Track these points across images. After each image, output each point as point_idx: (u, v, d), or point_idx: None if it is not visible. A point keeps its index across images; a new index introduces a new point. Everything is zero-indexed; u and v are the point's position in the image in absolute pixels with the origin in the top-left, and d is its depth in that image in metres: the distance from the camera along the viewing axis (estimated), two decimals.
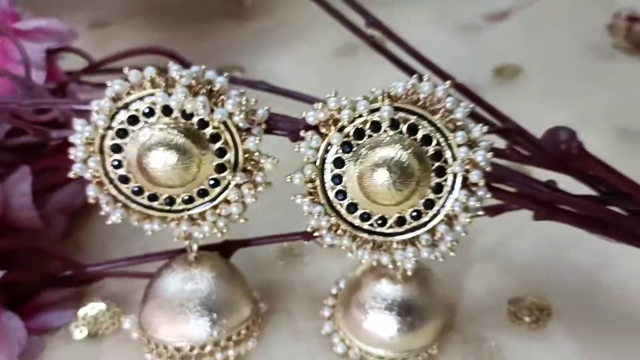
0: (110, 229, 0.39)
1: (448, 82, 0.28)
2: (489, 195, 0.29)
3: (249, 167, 0.29)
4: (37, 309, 0.33)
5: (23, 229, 0.34)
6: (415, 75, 0.28)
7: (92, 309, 0.34)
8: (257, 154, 0.29)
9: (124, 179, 0.29)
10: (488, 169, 0.28)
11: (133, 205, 0.29)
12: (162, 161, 0.27)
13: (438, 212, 0.29)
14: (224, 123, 0.28)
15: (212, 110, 0.27)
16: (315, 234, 0.30)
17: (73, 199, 0.38)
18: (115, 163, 0.28)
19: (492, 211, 0.33)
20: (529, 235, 0.41)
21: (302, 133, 0.28)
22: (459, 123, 0.28)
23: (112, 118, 0.28)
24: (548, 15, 0.62)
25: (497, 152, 0.30)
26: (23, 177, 0.33)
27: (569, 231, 0.40)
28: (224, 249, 0.34)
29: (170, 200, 0.29)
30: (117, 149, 0.28)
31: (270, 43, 0.61)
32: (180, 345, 0.30)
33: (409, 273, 0.31)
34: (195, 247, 0.31)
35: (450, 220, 0.29)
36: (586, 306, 0.36)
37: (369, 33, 0.40)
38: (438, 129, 0.28)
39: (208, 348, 0.30)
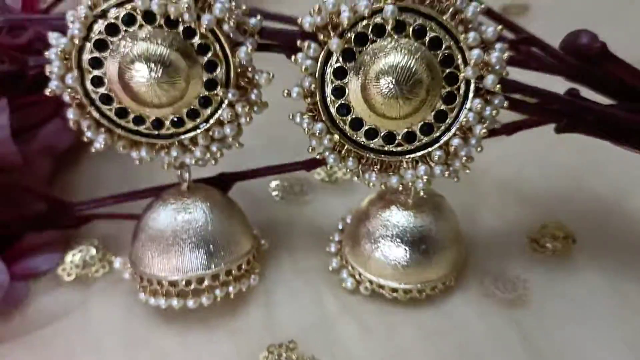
0: (98, 173, 0.38)
1: None
2: (506, 104, 0.26)
3: (242, 84, 0.27)
4: (21, 252, 0.31)
5: (3, 168, 0.32)
6: None
7: (80, 252, 0.31)
8: (250, 69, 0.26)
9: (106, 99, 0.26)
10: (504, 73, 0.26)
11: (118, 130, 0.27)
12: (146, 75, 0.25)
13: (451, 125, 0.27)
14: (213, 32, 0.25)
15: (198, 17, 0.25)
16: (317, 156, 0.27)
17: (57, 139, 0.35)
18: (96, 80, 0.26)
19: (509, 129, 0.31)
20: (542, 166, 0.38)
21: (298, 43, 0.26)
22: (470, 24, 0.25)
23: (90, 28, 0.25)
24: None
25: (512, 61, 0.28)
26: (1, 109, 0.31)
27: (584, 159, 0.38)
28: (220, 183, 0.31)
29: (159, 123, 0.27)
30: (96, 63, 0.25)
31: None
32: (176, 280, 0.28)
33: (422, 194, 0.28)
34: (187, 176, 0.29)
35: (464, 133, 0.27)
36: (609, 233, 0.34)
37: None
38: (448, 31, 0.25)
39: (206, 282, 0.28)
